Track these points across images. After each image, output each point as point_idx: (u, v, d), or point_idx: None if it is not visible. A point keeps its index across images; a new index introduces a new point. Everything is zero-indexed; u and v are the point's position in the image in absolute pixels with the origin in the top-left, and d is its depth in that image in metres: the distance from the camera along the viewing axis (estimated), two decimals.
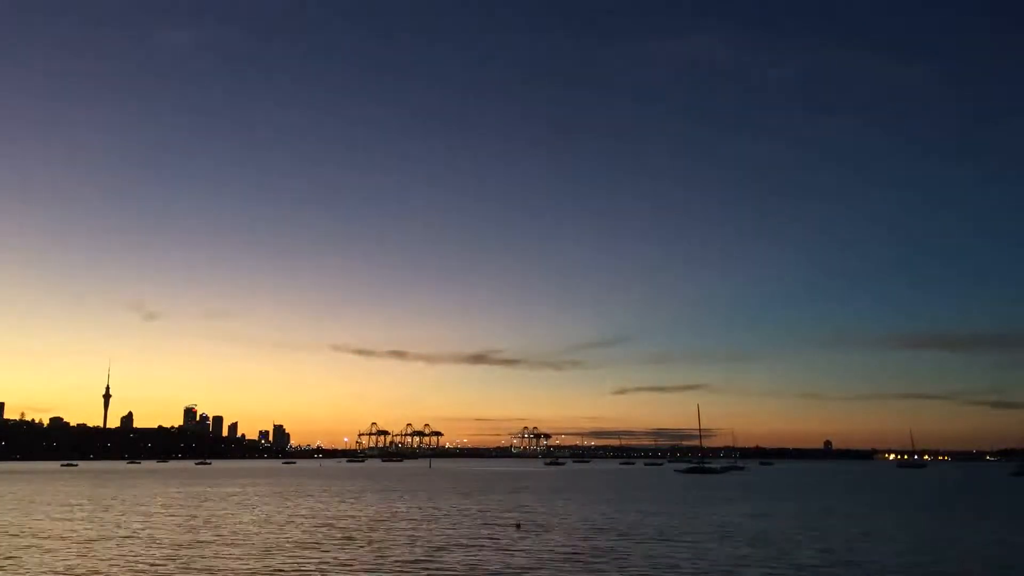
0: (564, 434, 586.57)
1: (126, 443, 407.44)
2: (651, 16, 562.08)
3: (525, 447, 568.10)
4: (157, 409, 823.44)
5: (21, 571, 26.59)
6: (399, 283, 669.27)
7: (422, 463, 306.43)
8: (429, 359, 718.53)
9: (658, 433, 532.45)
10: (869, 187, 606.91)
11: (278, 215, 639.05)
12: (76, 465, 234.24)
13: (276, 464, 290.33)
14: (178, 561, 28.65)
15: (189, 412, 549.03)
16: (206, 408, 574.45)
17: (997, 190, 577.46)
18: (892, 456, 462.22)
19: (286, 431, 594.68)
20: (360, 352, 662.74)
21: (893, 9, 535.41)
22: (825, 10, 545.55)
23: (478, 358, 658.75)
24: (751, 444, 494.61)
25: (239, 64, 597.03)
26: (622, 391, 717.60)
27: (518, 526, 44.09)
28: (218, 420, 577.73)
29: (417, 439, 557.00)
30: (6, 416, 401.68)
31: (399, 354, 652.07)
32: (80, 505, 59.34)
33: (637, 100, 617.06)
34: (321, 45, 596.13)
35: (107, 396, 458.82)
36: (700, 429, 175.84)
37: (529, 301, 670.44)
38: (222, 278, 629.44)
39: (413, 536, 37.69)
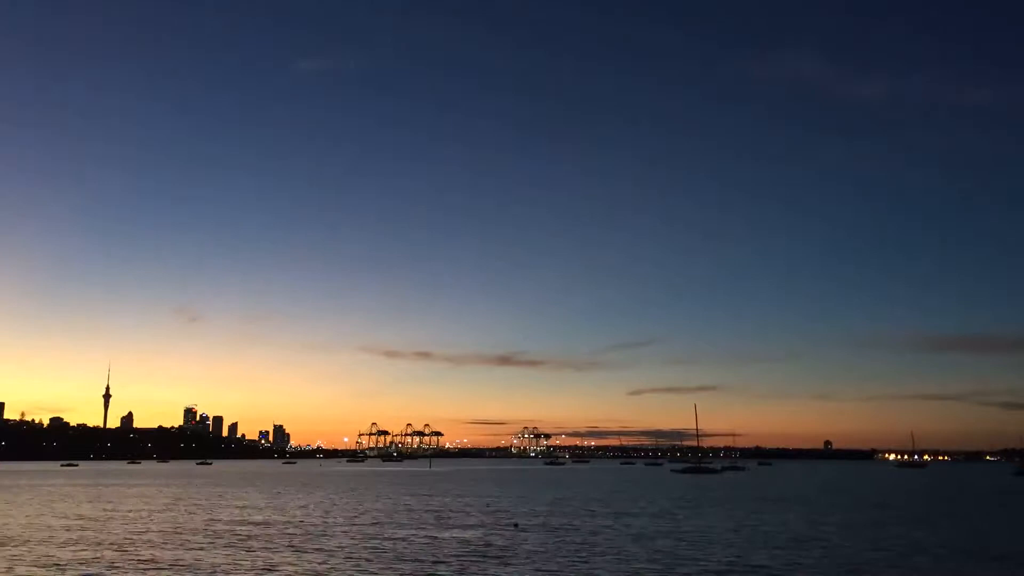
0: (564, 434, 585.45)
1: (126, 443, 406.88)
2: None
3: (524, 447, 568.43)
4: (157, 409, 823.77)
5: None
6: (427, 285, 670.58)
7: (422, 463, 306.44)
8: (455, 360, 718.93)
9: (658, 433, 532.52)
10: (873, 190, 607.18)
11: (305, 220, 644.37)
12: (76, 465, 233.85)
13: (276, 464, 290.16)
14: None
15: (189, 412, 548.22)
16: (206, 408, 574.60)
17: (1006, 193, 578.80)
18: (892, 456, 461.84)
19: (286, 431, 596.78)
20: (387, 354, 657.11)
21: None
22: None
23: (503, 359, 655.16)
24: (751, 444, 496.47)
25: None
26: (637, 392, 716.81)
27: (516, 525, 44.15)
28: (218, 420, 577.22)
29: (417, 439, 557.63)
30: (6, 416, 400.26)
31: (424, 355, 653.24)
32: None
33: (657, 109, 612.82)
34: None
35: (107, 396, 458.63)
36: (697, 429, 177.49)
37: (559, 303, 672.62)
38: (252, 281, 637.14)
39: None
